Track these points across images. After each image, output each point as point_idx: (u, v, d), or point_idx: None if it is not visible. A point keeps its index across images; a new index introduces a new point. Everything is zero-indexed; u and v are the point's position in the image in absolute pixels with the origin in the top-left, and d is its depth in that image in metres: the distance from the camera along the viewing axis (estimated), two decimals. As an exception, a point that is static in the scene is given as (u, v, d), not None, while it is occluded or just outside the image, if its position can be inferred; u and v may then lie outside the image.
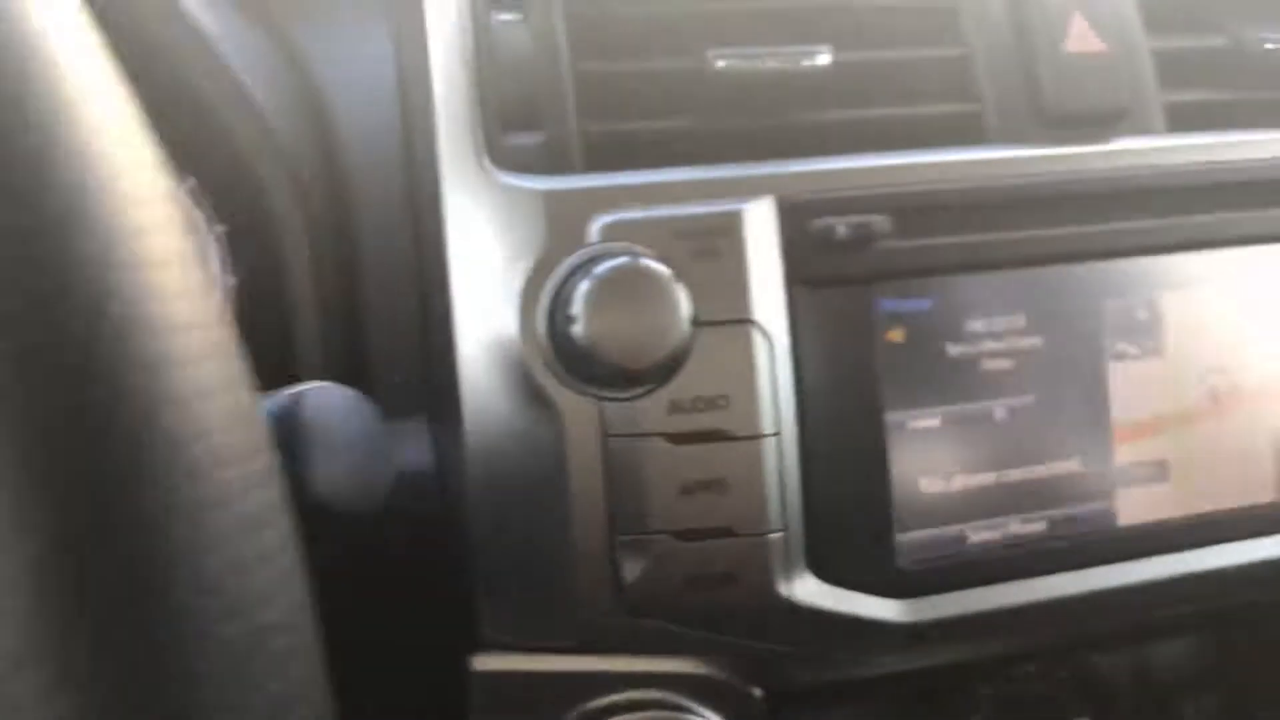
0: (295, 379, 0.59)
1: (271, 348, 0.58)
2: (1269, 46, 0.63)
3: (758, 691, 0.60)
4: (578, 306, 0.49)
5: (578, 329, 0.49)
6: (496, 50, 0.55)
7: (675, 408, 0.52)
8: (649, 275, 0.49)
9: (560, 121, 0.54)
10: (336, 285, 0.59)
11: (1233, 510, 0.63)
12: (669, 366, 0.51)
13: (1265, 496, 0.63)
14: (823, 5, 0.59)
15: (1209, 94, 0.64)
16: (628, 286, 0.49)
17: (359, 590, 0.58)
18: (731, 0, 0.58)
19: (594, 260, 0.50)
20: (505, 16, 0.55)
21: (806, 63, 0.56)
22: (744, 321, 0.53)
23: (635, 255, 0.50)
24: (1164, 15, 0.64)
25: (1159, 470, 0.61)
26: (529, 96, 0.54)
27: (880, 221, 0.55)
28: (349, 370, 0.59)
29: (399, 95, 0.62)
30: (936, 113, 0.59)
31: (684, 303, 0.50)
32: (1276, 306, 0.62)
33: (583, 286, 0.49)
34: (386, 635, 0.61)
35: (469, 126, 0.54)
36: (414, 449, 0.59)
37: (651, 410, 0.52)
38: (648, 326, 0.49)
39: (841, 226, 0.54)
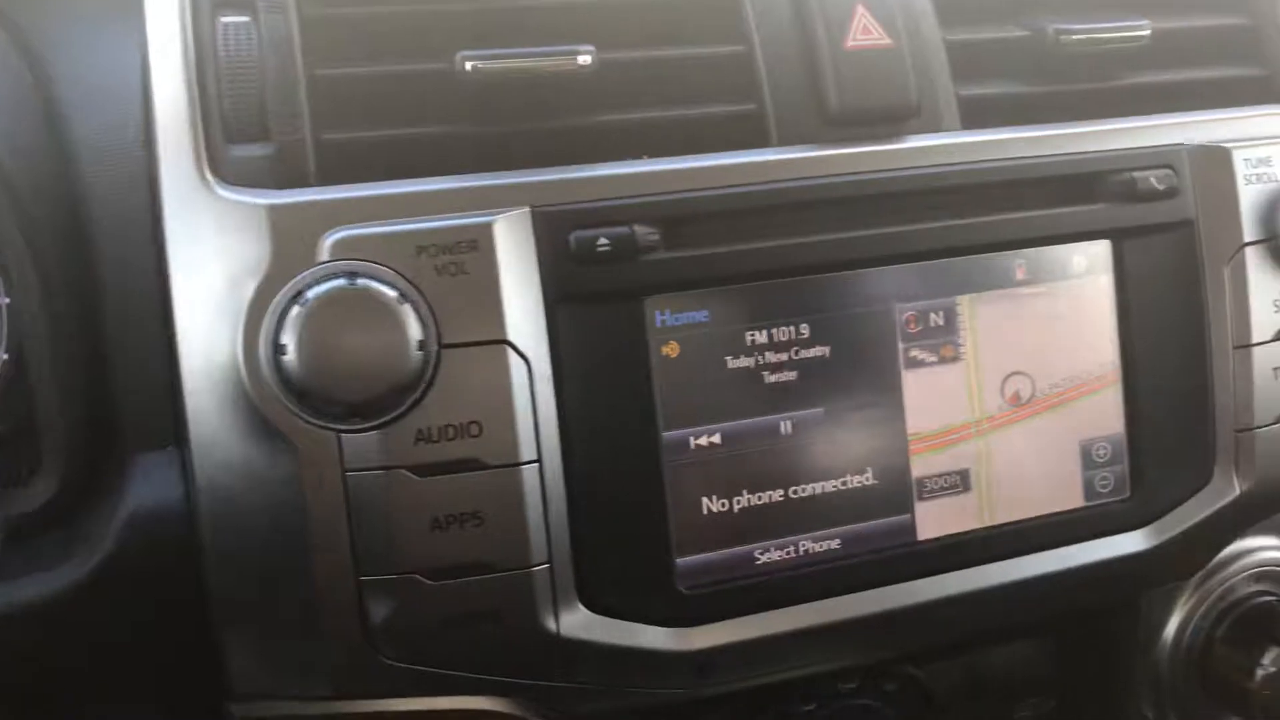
0: (31, 416, 0.54)
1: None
2: (1067, 38, 0.61)
3: (549, 727, 0.58)
4: (288, 335, 0.45)
5: (289, 359, 0.45)
6: (222, 55, 0.51)
7: (421, 437, 0.48)
8: (367, 299, 0.45)
9: (292, 130, 0.50)
10: (73, 315, 0.54)
11: (1040, 519, 0.61)
12: (406, 394, 0.47)
13: (1072, 502, 0.61)
14: (587, 3, 0.55)
15: (1006, 87, 0.62)
16: (343, 312, 0.45)
17: (114, 629, 0.54)
18: (480, 2, 0.54)
19: (317, 282, 0.46)
20: (232, 19, 0.51)
21: (566, 63, 0.52)
22: (496, 342, 0.49)
23: (354, 276, 0.46)
24: (960, 6, 0.62)
25: (960, 480, 0.59)
26: (258, 104, 0.50)
27: (647, 232, 0.52)
28: (92, 400, 0.55)
29: (143, 106, 0.57)
30: (714, 114, 0.56)
31: (413, 326, 0.46)
32: (1078, 304, 0.61)
33: (293, 313, 0.45)
34: (144, 678, 0.57)
35: (188, 136, 0.49)
36: (162, 481, 0.55)
37: (395, 441, 0.48)
38: (367, 355, 0.45)
39: (603, 239, 0.51)
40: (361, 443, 0.48)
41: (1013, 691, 0.76)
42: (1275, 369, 0.63)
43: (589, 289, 0.51)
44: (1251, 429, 0.63)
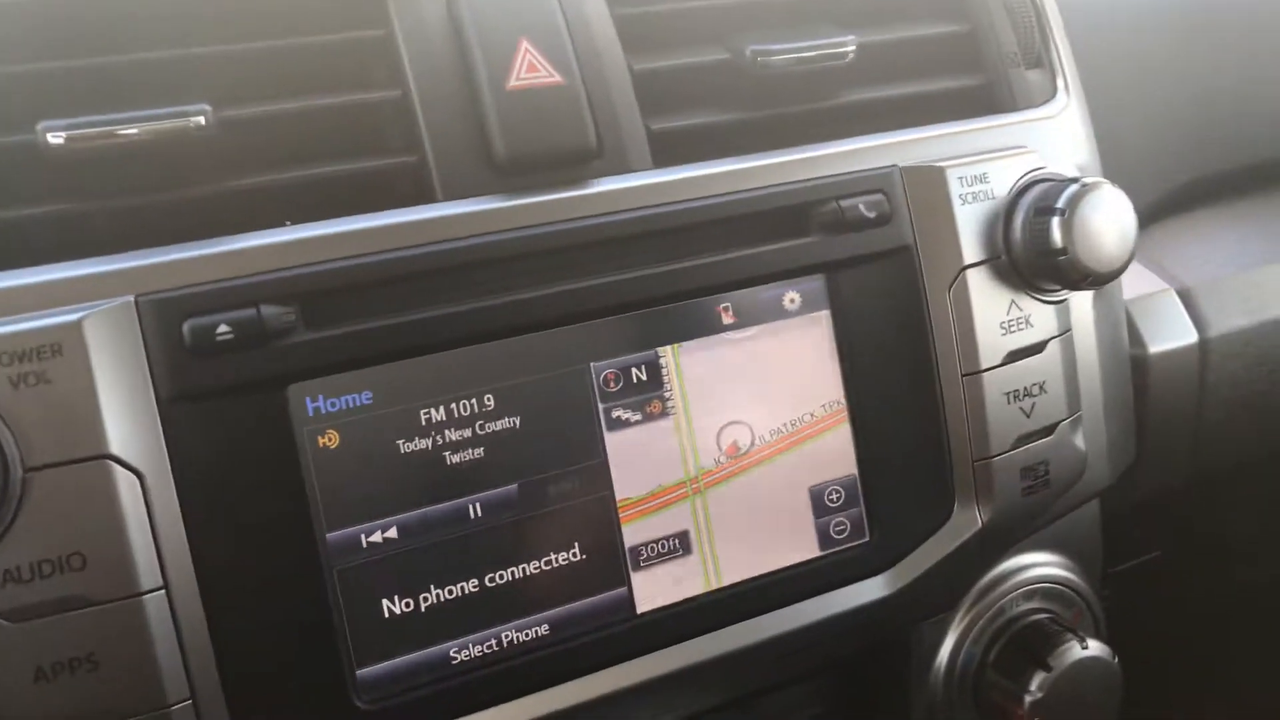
0: None
1: None
2: (767, 59, 0.58)
3: None
4: None
5: None
6: None
7: (10, 578, 0.42)
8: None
9: None
10: None
11: (772, 575, 0.57)
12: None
13: (806, 553, 0.58)
14: (201, 54, 0.49)
15: (703, 118, 0.58)
16: None
17: None
18: (66, 61, 0.47)
19: None
20: None
21: (177, 127, 0.46)
22: (96, 458, 0.43)
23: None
24: (649, 33, 0.57)
25: (679, 544, 0.55)
26: None
27: (280, 313, 0.46)
28: None
29: None
30: (366, 170, 0.50)
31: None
32: (795, 344, 0.57)
33: None
34: None
35: None
36: None
37: (-22, 585, 0.42)
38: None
39: (223, 325, 0.45)
40: (-64, 592, 0.41)
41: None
42: (1007, 394, 0.60)
43: (213, 384, 0.45)
44: (989, 458, 0.60)
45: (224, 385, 0.45)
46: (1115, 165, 0.71)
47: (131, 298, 0.44)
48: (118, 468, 0.43)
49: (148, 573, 0.44)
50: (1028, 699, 0.66)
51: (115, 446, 0.43)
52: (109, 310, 0.43)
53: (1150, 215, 0.83)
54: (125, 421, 0.43)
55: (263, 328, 0.45)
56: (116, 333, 0.44)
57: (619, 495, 0.54)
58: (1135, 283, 0.75)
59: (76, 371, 0.42)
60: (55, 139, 0.45)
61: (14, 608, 0.42)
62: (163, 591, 0.44)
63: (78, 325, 0.43)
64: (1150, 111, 0.84)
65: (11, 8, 0.47)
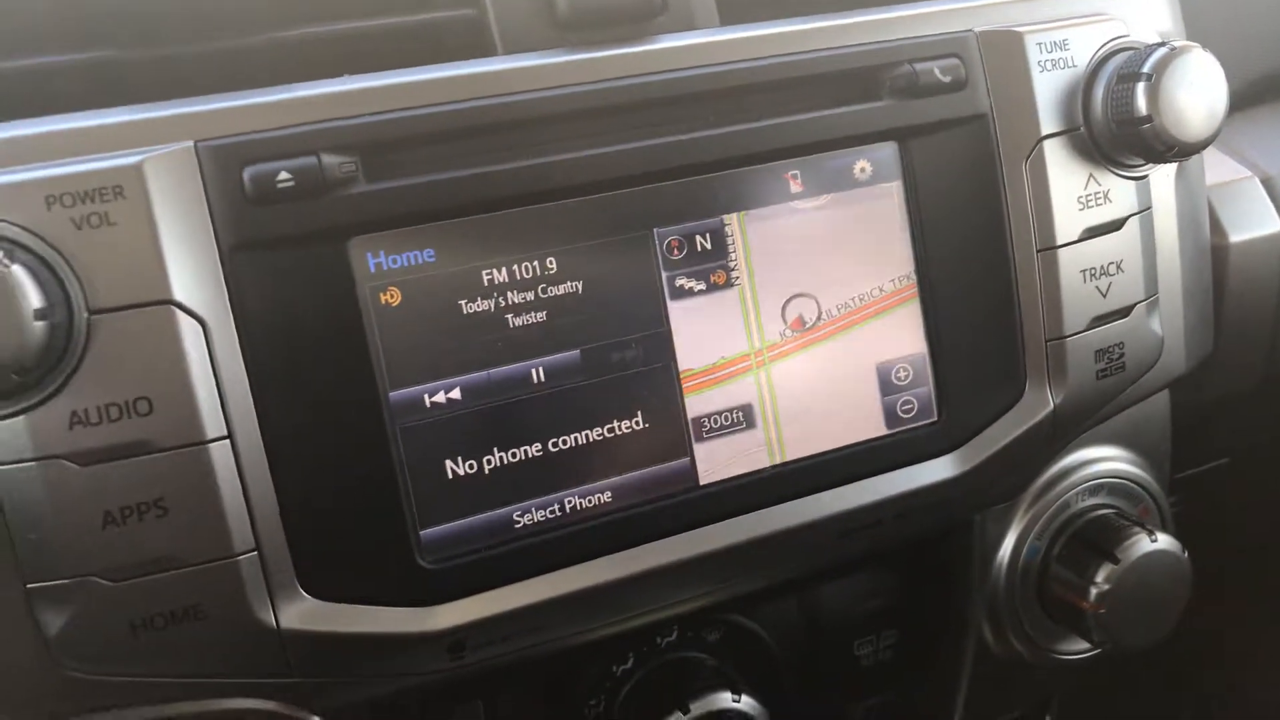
0: None
1: None
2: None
3: (316, 719, 0.52)
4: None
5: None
6: None
7: (77, 420, 0.41)
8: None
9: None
10: None
11: (837, 451, 0.56)
12: (43, 369, 0.40)
13: (872, 431, 0.56)
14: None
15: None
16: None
17: None
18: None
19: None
20: None
21: (236, -28, 0.45)
22: (160, 303, 0.42)
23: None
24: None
25: (743, 417, 0.54)
26: None
27: (340, 162, 0.45)
28: None
29: None
30: (426, 22, 0.49)
31: (27, 292, 0.39)
32: (864, 216, 0.55)
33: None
34: None
35: None
36: None
37: (46, 426, 0.41)
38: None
39: (284, 173, 0.44)
40: (6, 432, 0.41)
41: (851, 627, 0.72)
42: (1084, 271, 0.58)
43: (274, 234, 0.44)
44: (1062, 337, 0.58)
45: (285, 235, 0.44)
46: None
47: (191, 143, 0.43)
48: (181, 314, 0.43)
49: (212, 421, 0.43)
50: (1094, 591, 0.64)
51: (179, 293, 0.43)
52: (169, 154, 0.43)
53: (1232, 103, 0.79)
54: (188, 268, 0.43)
55: (323, 177, 0.44)
56: (177, 177, 0.43)
57: (682, 365, 0.52)
58: (1216, 170, 0.72)
59: (138, 215, 0.42)
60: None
61: (81, 450, 0.41)
62: (227, 441, 0.44)
63: (139, 168, 0.42)
64: None
65: None
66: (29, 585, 0.42)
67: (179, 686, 0.46)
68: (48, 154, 0.42)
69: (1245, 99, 0.80)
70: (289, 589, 0.46)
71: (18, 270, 0.39)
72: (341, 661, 0.48)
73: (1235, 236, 0.70)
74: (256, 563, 0.45)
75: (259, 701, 0.49)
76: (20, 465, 0.41)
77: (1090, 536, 0.67)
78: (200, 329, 0.43)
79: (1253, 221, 0.71)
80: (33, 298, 0.39)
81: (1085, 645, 0.70)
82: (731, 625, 0.66)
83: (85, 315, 0.41)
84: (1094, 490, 0.69)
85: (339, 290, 0.46)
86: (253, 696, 0.49)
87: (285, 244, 0.45)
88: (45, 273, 0.40)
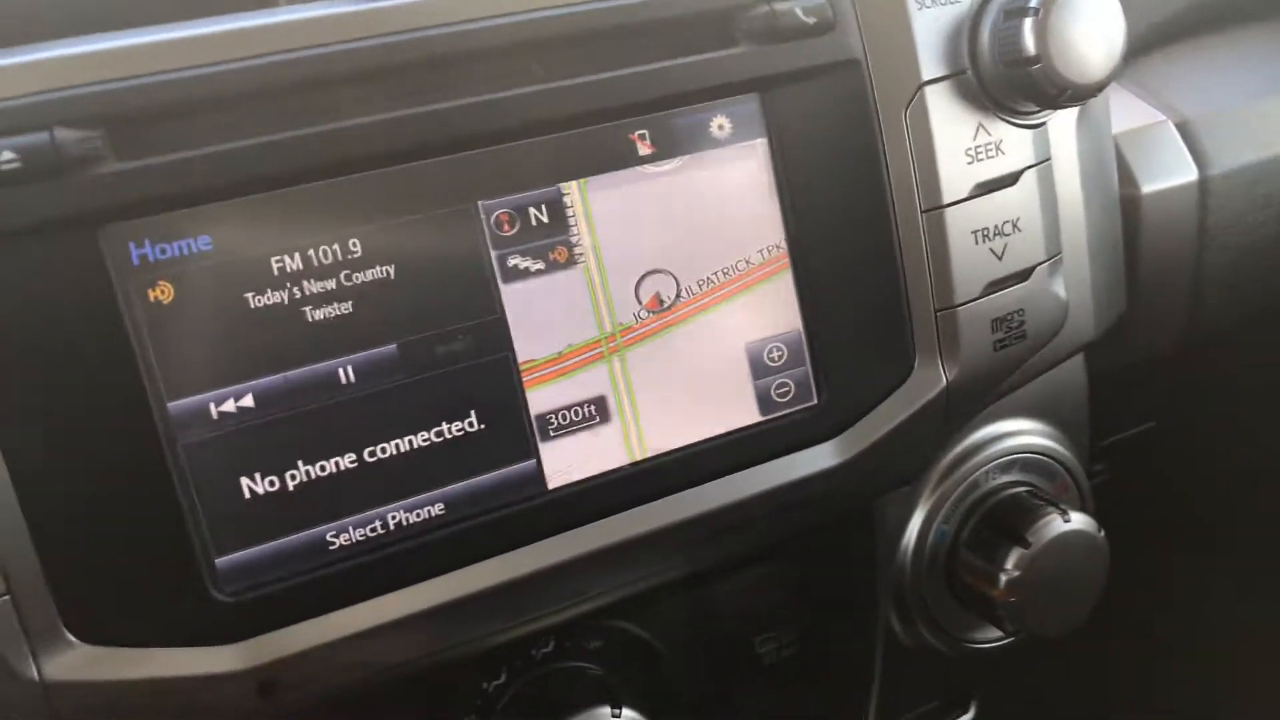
0: None
1: None
2: None
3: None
4: None
5: None
6: None
7: None
8: None
9: None
10: None
11: (704, 443, 0.50)
12: None
13: (745, 419, 0.51)
14: None
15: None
16: None
17: None
18: None
19: None
20: None
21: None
22: None
23: None
24: None
25: (595, 411, 0.48)
26: None
27: (80, 138, 0.38)
28: None
29: None
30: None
31: None
32: (725, 179, 0.49)
33: None
34: None
35: None
36: None
37: None
38: None
39: (8, 152, 0.37)
40: None
41: (751, 624, 0.66)
42: (975, 232, 0.53)
43: (8, 225, 0.37)
44: (954, 306, 0.53)
45: (20, 226, 0.38)
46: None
47: (-109, 119, 0.36)
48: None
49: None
50: (1004, 578, 0.59)
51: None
52: None
53: (1148, 41, 0.74)
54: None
55: (58, 155, 0.37)
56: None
57: (521, 356, 0.46)
58: (1129, 114, 0.67)
59: None
60: None
61: None
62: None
63: None
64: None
65: None
66: None
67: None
68: None
69: (1163, 34, 0.74)
70: (51, 634, 0.39)
71: None
72: (129, 712, 0.42)
73: (1147, 187, 0.64)
74: (8, 606, 0.38)
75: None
76: None
77: (1000, 518, 0.62)
78: (-86, 340, 0.37)
79: (1166, 170, 0.65)
80: None
81: (999, 634, 0.66)
82: (614, 631, 0.61)
83: None
84: (1005, 467, 0.64)
85: (93, 287, 0.39)
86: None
87: (23, 237, 0.38)
88: None
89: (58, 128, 0.38)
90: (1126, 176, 0.64)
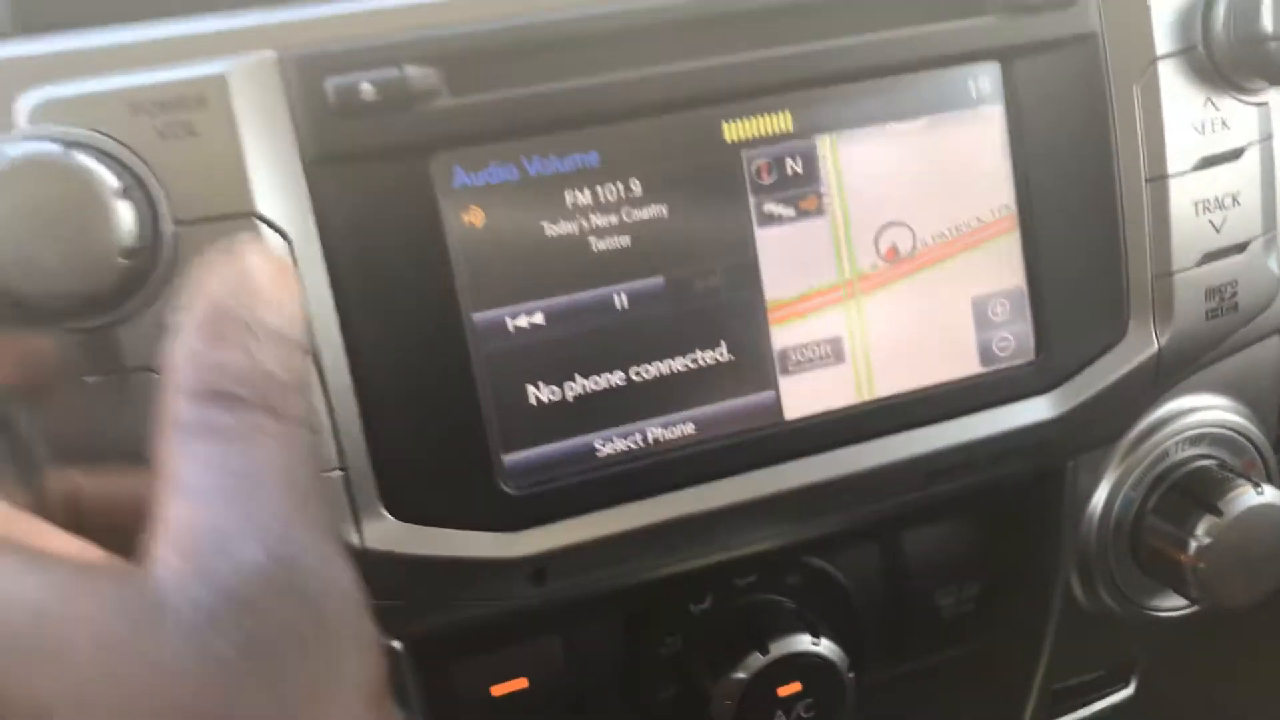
0: None
1: None
2: None
3: (396, 644, 0.52)
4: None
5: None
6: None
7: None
8: (60, 170, 0.37)
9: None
10: None
11: (929, 389, 0.54)
12: (135, 284, 0.40)
13: (967, 369, 0.54)
14: None
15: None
16: (29, 193, 0.37)
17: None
18: None
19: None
20: None
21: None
22: (243, 215, 0.42)
23: (52, 141, 0.38)
24: None
25: (831, 351, 0.52)
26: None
27: (424, 75, 0.44)
28: None
29: None
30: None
31: (120, 211, 0.38)
32: (963, 140, 0.52)
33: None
34: None
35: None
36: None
37: (135, 338, 0.41)
38: (62, 248, 0.37)
39: (367, 84, 0.43)
40: (96, 343, 0.41)
41: (934, 576, 0.70)
42: (1196, 203, 0.55)
43: (358, 147, 0.43)
44: (1170, 274, 0.55)
45: (369, 148, 0.43)
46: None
47: (274, 54, 0.42)
48: (265, 228, 0.42)
49: (296, 336, 0.43)
50: (1193, 544, 0.61)
51: (262, 206, 0.42)
52: (253, 64, 0.42)
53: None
54: (271, 181, 0.42)
55: (406, 89, 0.43)
56: (260, 88, 0.42)
57: (769, 295, 0.51)
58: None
59: (222, 125, 0.41)
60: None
61: (169, 363, 0.41)
62: (310, 357, 0.43)
63: (222, 78, 0.41)
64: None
65: None
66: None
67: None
68: (130, 62, 0.41)
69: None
70: (373, 510, 0.45)
71: (111, 180, 0.38)
72: (424, 585, 0.47)
73: (1359, 173, 0.65)
74: (341, 482, 0.44)
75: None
76: (112, 377, 0.41)
77: (1190, 488, 0.64)
78: (285, 243, 0.43)
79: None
80: (129, 217, 0.38)
81: (1179, 602, 0.68)
82: (811, 569, 0.65)
83: (171, 227, 0.41)
84: (1195, 440, 0.66)
85: (422, 207, 0.45)
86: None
87: (369, 158, 0.44)
88: (137, 190, 0.39)
89: (407, 65, 0.43)
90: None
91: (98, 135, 0.40)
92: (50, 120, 0.40)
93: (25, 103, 0.40)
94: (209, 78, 0.41)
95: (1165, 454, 0.65)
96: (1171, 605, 0.68)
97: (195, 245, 0.41)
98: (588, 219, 0.48)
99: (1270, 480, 0.68)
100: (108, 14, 0.43)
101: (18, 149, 0.38)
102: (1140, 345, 0.56)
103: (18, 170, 0.37)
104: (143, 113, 0.40)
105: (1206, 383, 0.65)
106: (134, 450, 0.40)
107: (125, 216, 0.38)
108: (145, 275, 0.40)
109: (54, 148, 0.38)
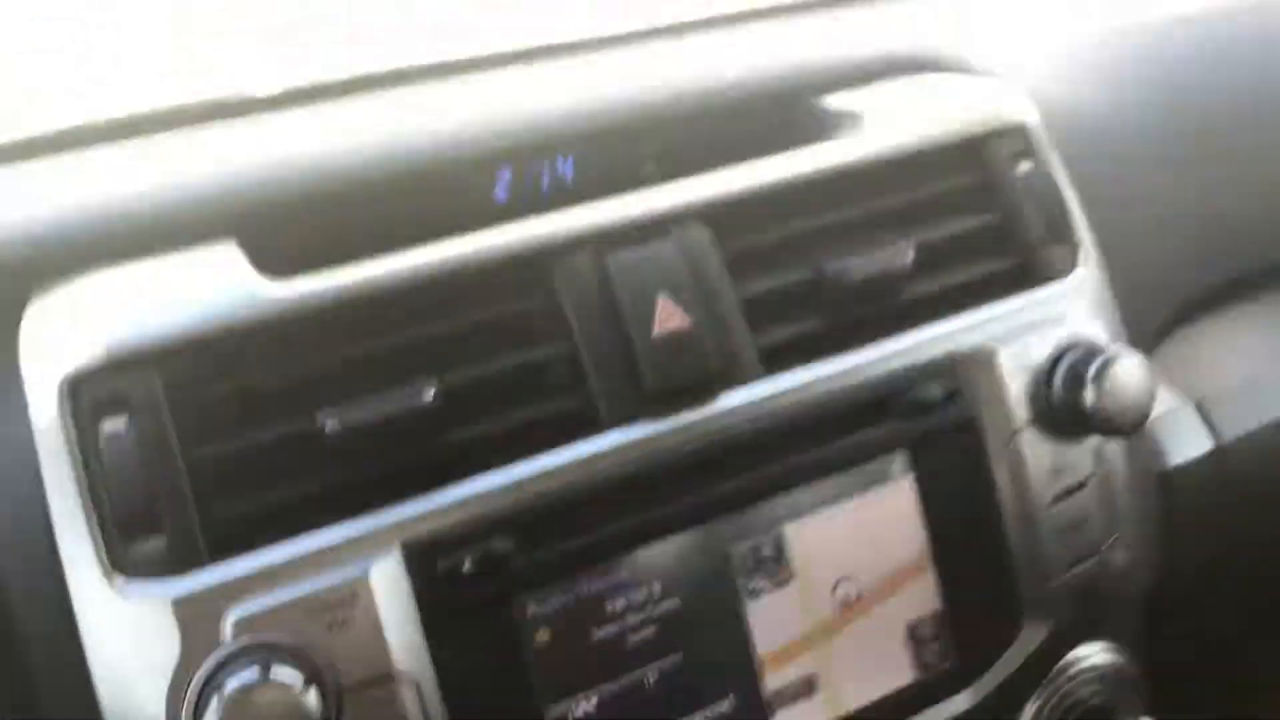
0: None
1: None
2: (846, 278, 0.71)
3: None
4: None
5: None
6: (107, 457, 0.56)
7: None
8: (275, 693, 0.52)
9: (180, 515, 0.56)
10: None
11: (880, 700, 0.71)
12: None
13: (905, 678, 0.71)
14: (427, 335, 0.63)
15: (799, 328, 0.71)
16: (256, 707, 0.52)
17: None
18: (331, 352, 0.61)
19: (223, 668, 0.53)
20: (112, 422, 0.57)
21: (415, 403, 0.60)
22: (384, 678, 0.57)
23: (263, 663, 0.53)
24: (749, 259, 0.71)
25: (808, 685, 0.69)
26: (148, 497, 0.56)
27: (503, 544, 0.60)
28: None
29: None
30: (551, 412, 0.64)
31: (310, 700, 0.53)
32: (887, 509, 0.70)
33: (211, 703, 0.52)
34: None
35: (86, 540, 0.55)
36: None
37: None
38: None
39: (468, 561, 0.59)
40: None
41: None
42: (1059, 529, 0.74)
43: (463, 603, 0.59)
44: (1049, 581, 0.74)
45: (470, 607, 0.59)
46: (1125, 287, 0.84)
47: (398, 546, 0.58)
48: (404, 680, 0.57)
49: (430, 769, 0.58)
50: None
51: (400, 664, 0.57)
52: (383, 565, 0.58)
53: (1160, 327, 0.96)
54: (404, 644, 0.57)
55: (495, 558, 0.59)
56: (391, 580, 0.58)
57: (759, 651, 0.67)
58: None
59: (367, 614, 0.56)
60: (330, 424, 0.58)
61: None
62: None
63: (364, 581, 0.57)
64: (1154, 228, 0.96)
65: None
66: None
67: None
68: (301, 571, 0.56)
69: (1172, 323, 0.96)
70: None
71: (310, 695, 0.52)
72: None
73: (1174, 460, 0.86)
74: None
75: None
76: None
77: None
78: (415, 690, 0.57)
79: (1188, 444, 0.87)
80: (317, 708, 0.53)
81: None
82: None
83: (338, 697, 0.55)
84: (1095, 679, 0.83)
85: (508, 637, 0.60)
86: None
87: (471, 613, 0.59)
88: (317, 678, 0.54)
89: (495, 537, 0.59)
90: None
91: (285, 640, 0.54)
92: (248, 631, 0.54)
93: (230, 618, 0.55)
94: (355, 582, 0.57)
95: (1070, 693, 0.83)
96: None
97: (359, 704, 0.56)
98: (624, 619, 0.64)
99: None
100: (285, 528, 0.58)
101: (230, 685, 0.52)
102: (1033, 637, 0.74)
103: (236, 700, 0.52)
104: (314, 615, 0.55)
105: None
106: None
107: (313, 704, 0.53)
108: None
109: (254, 675, 0.53)
